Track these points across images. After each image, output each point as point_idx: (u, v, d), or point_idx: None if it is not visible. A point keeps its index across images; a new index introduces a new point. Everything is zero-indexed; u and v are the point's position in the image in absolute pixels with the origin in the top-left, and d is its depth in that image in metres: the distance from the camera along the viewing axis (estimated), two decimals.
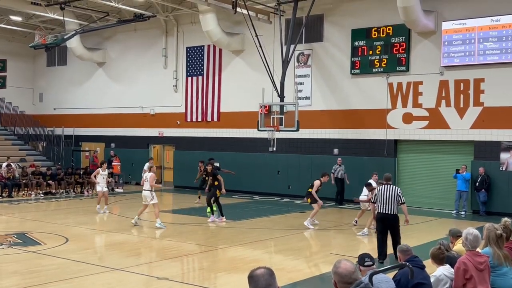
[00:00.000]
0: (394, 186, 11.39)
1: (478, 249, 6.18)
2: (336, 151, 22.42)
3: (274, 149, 22.49)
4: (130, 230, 15.03)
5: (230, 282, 9.87)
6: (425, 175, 20.74)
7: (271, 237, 14.21)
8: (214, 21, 23.65)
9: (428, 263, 6.44)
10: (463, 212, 19.11)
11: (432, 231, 15.42)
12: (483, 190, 18.90)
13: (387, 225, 11.15)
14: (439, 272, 6.27)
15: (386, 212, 11.08)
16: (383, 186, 11.30)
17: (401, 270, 5.86)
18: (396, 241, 11.06)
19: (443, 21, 19.89)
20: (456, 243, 7.58)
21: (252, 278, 3.47)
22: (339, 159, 21.67)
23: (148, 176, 15.66)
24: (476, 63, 19.33)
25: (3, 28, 29.47)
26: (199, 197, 20.95)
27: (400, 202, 11.18)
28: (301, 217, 17.62)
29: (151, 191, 15.35)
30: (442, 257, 6.37)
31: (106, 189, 18.91)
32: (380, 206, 11.13)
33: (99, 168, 18.95)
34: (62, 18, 24.59)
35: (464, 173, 19.09)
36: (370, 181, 15.69)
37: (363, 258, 5.57)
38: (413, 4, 18.71)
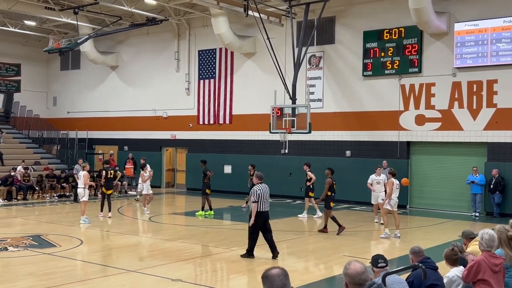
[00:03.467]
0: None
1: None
2: (348, 153, 22.41)
3: (286, 151, 22.48)
4: (144, 232, 15.15)
5: (243, 284, 9.93)
6: (438, 176, 20.66)
7: (283, 239, 14.22)
8: (226, 24, 23.76)
9: (441, 265, 6.45)
10: (477, 214, 19.01)
11: (446, 233, 15.37)
12: (497, 192, 18.79)
13: (265, 222, 11.69)
14: (452, 273, 6.28)
15: (267, 209, 11.63)
16: (263, 185, 11.61)
17: (414, 271, 5.88)
18: (272, 237, 11.72)
19: (456, 22, 19.82)
20: (470, 244, 7.56)
21: (267, 278, 3.47)
22: (384, 162, 19.50)
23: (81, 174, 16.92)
24: (489, 64, 19.24)
25: (17, 33, 29.80)
26: (247, 202, 21.02)
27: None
28: (313, 219, 17.67)
29: (84, 188, 16.46)
30: (455, 258, 6.38)
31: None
32: (262, 204, 11.49)
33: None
34: (75, 22, 24.84)
35: (477, 175, 18.97)
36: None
37: (376, 260, 5.59)
38: (425, 6, 18.67)
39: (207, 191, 18.37)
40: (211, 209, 18.50)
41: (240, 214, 20.06)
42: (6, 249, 12.03)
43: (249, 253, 11.77)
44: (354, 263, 4.07)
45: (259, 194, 11.46)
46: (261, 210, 11.51)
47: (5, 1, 23.50)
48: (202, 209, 18.53)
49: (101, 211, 17.44)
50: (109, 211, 17.24)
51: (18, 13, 26.44)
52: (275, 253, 11.68)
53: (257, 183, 11.70)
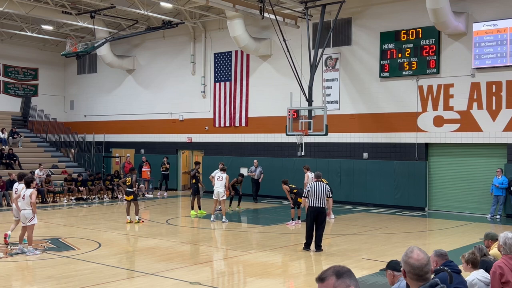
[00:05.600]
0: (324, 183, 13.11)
1: None
2: (365, 155, 22.24)
3: (303, 153, 22.38)
4: (161, 235, 15.15)
5: (261, 287, 9.86)
6: (457, 178, 20.40)
7: (301, 242, 14.12)
8: (241, 26, 23.74)
9: (460, 268, 6.33)
10: (498, 216, 18.72)
11: (466, 236, 15.17)
12: None
13: (317, 218, 12.66)
14: (472, 276, 6.19)
15: (318, 206, 12.62)
16: (318, 183, 12.84)
17: (438, 274, 5.77)
18: (321, 233, 12.76)
19: (474, 23, 19.59)
20: (493, 247, 7.46)
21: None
22: (255, 160, 23.72)
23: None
24: (508, 64, 18.97)
25: (35, 37, 30.09)
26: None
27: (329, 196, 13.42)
28: (330, 222, 17.55)
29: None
30: (476, 262, 6.28)
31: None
32: (314, 201, 12.58)
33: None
34: (92, 26, 24.99)
35: (500, 177, 18.67)
36: None
37: (398, 264, 5.49)
38: (443, 6, 18.47)
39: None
40: (200, 209, 19.23)
41: (257, 217, 20.04)
42: (24, 252, 12.07)
43: (305, 246, 12.80)
44: (417, 252, 3.59)
45: (309, 190, 12.75)
46: (311, 205, 12.59)
47: (22, 6, 23.74)
48: (192, 208, 19.33)
49: (128, 215, 17.34)
50: (136, 214, 17.26)
51: (35, 18, 26.70)
52: (317, 249, 12.66)
53: (313, 181, 13.10)
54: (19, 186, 12.58)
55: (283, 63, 22.25)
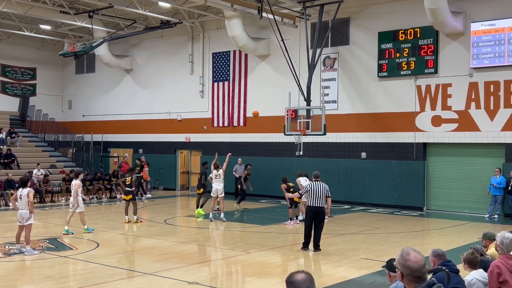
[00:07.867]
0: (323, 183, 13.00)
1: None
2: (363, 154, 22.25)
3: (301, 153, 22.41)
4: (159, 235, 15.14)
5: (259, 287, 9.86)
6: (455, 178, 20.42)
7: (299, 241, 14.14)
8: (240, 26, 23.73)
9: (460, 268, 6.34)
10: (496, 216, 18.75)
11: (464, 236, 15.19)
12: None
13: (315, 217, 12.59)
14: (471, 276, 6.19)
15: (317, 205, 12.55)
16: (316, 182, 12.80)
17: (435, 274, 5.78)
18: (319, 233, 12.70)
19: (472, 22, 19.61)
20: (490, 246, 7.47)
21: (293, 284, 3.23)
22: (240, 159, 23.78)
23: None
24: (506, 64, 19.00)
25: (33, 37, 30.04)
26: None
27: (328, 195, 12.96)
28: (329, 221, 17.55)
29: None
30: (476, 261, 6.28)
31: None
32: (312, 200, 12.55)
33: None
34: (90, 26, 24.97)
35: (498, 177, 18.70)
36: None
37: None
38: (441, 6, 18.48)
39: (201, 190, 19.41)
40: (201, 207, 19.22)
41: (255, 216, 20.05)
42: (22, 252, 12.07)
43: (304, 246, 12.79)
44: (414, 253, 3.53)
45: (308, 190, 12.72)
46: (310, 205, 12.60)
47: (20, 6, 23.70)
48: (197, 207, 19.35)
49: (126, 214, 17.34)
50: (134, 214, 17.24)
51: (33, 17, 26.66)
52: (315, 249, 12.65)
53: (312, 181, 13.06)
54: (23, 191, 12.43)
55: (281, 63, 22.24)
